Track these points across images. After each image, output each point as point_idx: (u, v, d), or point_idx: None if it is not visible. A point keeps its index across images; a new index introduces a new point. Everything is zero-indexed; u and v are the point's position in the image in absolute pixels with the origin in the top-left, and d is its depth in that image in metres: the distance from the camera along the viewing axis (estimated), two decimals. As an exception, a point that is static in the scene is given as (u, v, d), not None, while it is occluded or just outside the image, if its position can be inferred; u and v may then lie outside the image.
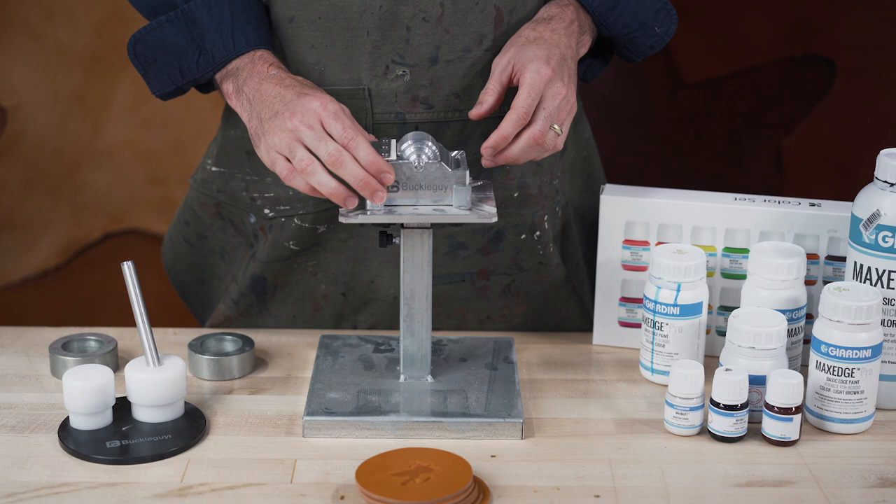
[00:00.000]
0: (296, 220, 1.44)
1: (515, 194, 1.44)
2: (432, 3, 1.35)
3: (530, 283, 1.49)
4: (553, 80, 1.29)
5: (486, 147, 1.28)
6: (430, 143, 1.25)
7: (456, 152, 1.29)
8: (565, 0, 1.39)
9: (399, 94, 1.38)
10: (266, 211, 1.46)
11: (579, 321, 1.53)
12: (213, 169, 1.50)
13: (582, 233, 1.56)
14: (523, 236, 1.46)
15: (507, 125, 1.28)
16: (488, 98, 1.31)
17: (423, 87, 1.38)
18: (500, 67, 1.32)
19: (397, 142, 1.27)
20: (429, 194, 1.24)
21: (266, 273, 1.48)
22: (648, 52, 1.44)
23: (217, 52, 1.36)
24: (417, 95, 1.38)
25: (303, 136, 1.26)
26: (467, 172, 1.24)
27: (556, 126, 1.29)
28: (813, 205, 1.39)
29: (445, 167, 1.24)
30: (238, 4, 1.36)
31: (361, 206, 1.25)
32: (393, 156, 1.25)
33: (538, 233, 1.47)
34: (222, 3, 1.35)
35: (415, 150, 1.24)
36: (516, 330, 1.50)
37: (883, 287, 1.27)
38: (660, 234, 1.40)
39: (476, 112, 1.31)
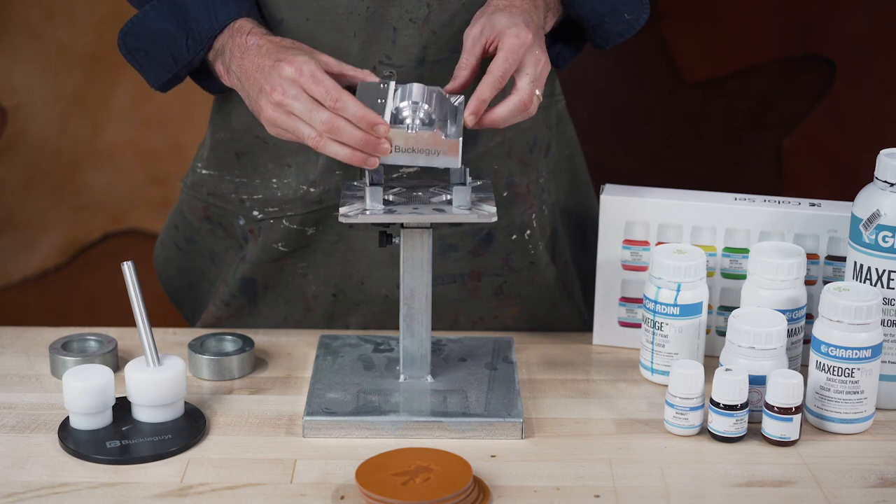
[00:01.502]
0: (284, 222, 1.44)
1: (504, 193, 1.44)
2: (419, 4, 1.35)
3: (522, 284, 1.49)
4: (533, 45, 1.28)
5: (467, 113, 1.25)
6: (425, 106, 1.24)
7: (455, 98, 1.27)
8: None
9: None
10: (255, 213, 1.45)
11: (570, 320, 1.53)
12: (204, 172, 1.50)
13: (569, 232, 1.56)
14: (514, 236, 1.46)
15: (485, 89, 1.25)
16: (462, 73, 1.29)
17: None
18: (472, 38, 1.30)
19: (398, 90, 1.25)
20: (423, 157, 1.23)
21: (256, 275, 1.48)
22: (617, 39, 1.42)
23: (202, 30, 1.34)
24: None
25: (293, 109, 1.24)
26: (467, 171, 1.25)
27: (538, 91, 1.28)
28: (813, 205, 1.39)
29: (439, 133, 1.22)
30: None
31: (361, 206, 1.25)
32: (387, 115, 1.24)
33: (528, 232, 1.47)
34: None
35: (410, 114, 1.23)
36: (508, 331, 1.50)
37: (883, 287, 1.27)
38: (660, 234, 1.40)
39: (450, 87, 1.29)
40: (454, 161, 1.23)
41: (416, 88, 1.25)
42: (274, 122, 1.26)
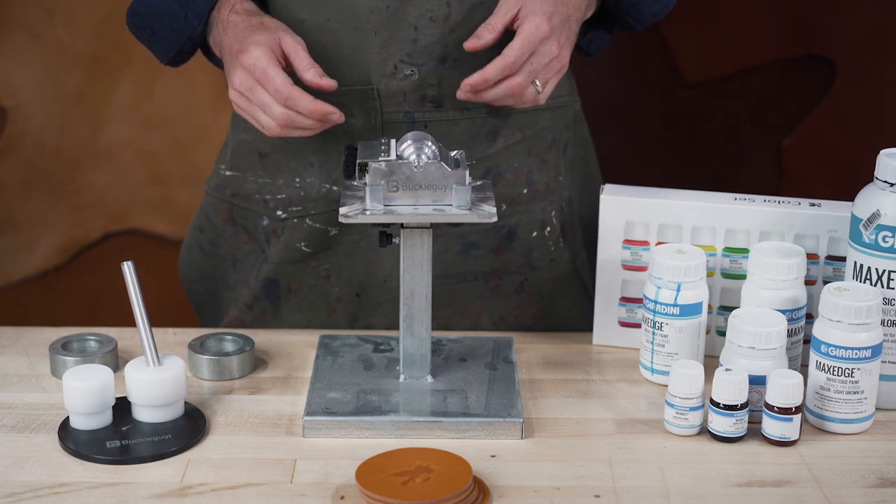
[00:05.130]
0: (308, 221, 1.45)
1: (524, 191, 1.45)
2: (439, 2, 1.36)
3: (543, 281, 1.49)
4: (549, 39, 1.31)
5: (466, 84, 1.31)
6: (429, 143, 1.25)
7: (455, 152, 1.29)
8: None
9: (408, 94, 1.39)
10: (279, 212, 1.46)
11: (590, 318, 1.53)
12: (227, 173, 1.51)
13: (583, 232, 1.56)
14: (535, 233, 1.47)
15: (493, 70, 1.30)
16: (487, 34, 1.32)
17: (432, 86, 1.39)
18: (506, 8, 1.33)
19: (397, 141, 1.27)
20: (429, 194, 1.24)
21: (279, 276, 1.49)
22: (651, 18, 1.45)
23: (198, 5, 1.39)
24: (426, 94, 1.39)
25: (254, 98, 1.30)
26: (467, 172, 1.24)
27: (538, 83, 1.31)
28: (813, 205, 1.39)
29: (445, 167, 1.23)
30: None
31: (361, 205, 1.25)
32: (392, 156, 1.25)
33: (549, 228, 1.48)
34: None
35: (414, 150, 1.24)
36: (531, 331, 1.50)
37: (883, 287, 1.27)
38: (660, 234, 1.40)
39: (471, 44, 1.32)
40: (462, 198, 1.23)
41: (417, 133, 1.26)
42: (237, 103, 1.33)
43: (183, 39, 1.41)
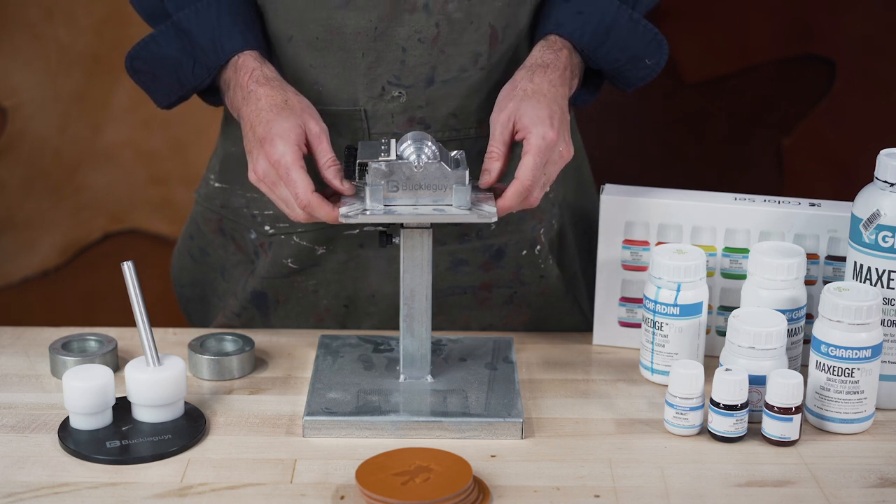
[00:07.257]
0: (295, 238, 1.44)
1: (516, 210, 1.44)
2: (427, 23, 1.34)
3: (532, 295, 1.49)
4: (557, 143, 1.27)
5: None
6: (429, 143, 1.24)
7: (455, 152, 1.29)
8: (558, 44, 1.35)
9: (395, 115, 1.37)
10: (266, 228, 1.45)
11: (579, 328, 1.53)
12: (216, 185, 1.50)
13: (576, 242, 1.56)
14: (524, 252, 1.46)
15: (513, 198, 1.25)
16: (495, 164, 1.27)
17: (420, 108, 1.37)
18: (501, 124, 1.28)
19: (397, 141, 1.27)
20: (429, 194, 1.24)
21: (266, 289, 1.48)
22: (639, 83, 1.41)
23: (208, 59, 1.35)
24: (414, 116, 1.38)
25: (277, 191, 1.28)
26: (467, 172, 1.24)
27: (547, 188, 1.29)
28: (813, 205, 1.39)
29: (445, 167, 1.23)
30: (224, 8, 1.34)
31: (361, 206, 1.25)
32: (393, 156, 1.25)
33: (538, 247, 1.47)
34: (209, 8, 1.34)
35: (414, 150, 1.24)
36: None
37: (883, 287, 1.27)
38: (660, 234, 1.40)
39: (485, 181, 1.28)
40: (462, 198, 1.23)
41: (417, 133, 1.26)
42: (258, 187, 1.30)
43: (187, 90, 1.38)
